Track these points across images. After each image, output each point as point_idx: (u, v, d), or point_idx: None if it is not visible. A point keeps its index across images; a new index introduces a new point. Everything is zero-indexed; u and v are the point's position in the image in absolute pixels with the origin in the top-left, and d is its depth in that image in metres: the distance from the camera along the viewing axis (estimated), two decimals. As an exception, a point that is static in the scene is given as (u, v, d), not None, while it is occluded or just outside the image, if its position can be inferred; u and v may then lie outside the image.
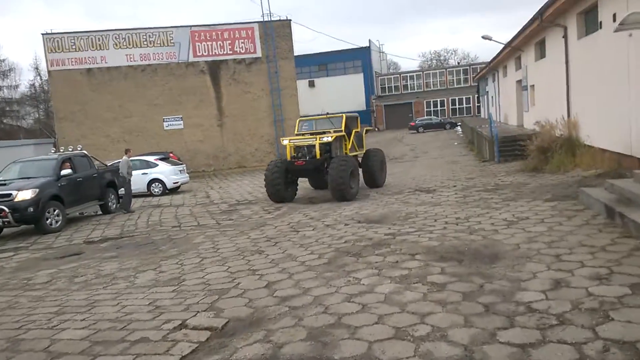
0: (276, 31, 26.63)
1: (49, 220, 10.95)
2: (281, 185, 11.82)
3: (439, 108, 54.93)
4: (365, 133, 14.18)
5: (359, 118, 13.85)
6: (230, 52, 26.33)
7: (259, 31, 26.43)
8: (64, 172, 11.60)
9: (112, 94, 25.61)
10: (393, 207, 10.80)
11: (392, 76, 61.19)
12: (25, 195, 10.44)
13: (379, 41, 67.97)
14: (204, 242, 8.69)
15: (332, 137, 11.76)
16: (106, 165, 14.41)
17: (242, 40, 26.32)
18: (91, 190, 12.75)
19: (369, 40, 58.18)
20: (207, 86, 26.40)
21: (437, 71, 60.32)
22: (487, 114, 30.92)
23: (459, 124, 41.73)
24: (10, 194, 10.42)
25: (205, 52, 26.22)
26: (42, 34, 25.25)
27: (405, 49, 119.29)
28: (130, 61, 25.87)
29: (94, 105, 25.45)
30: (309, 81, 57.35)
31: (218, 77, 26.53)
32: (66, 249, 9.29)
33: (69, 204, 11.69)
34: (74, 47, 25.44)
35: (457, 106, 55.14)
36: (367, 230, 8.42)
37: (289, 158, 12.21)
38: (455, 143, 30.86)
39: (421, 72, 60.55)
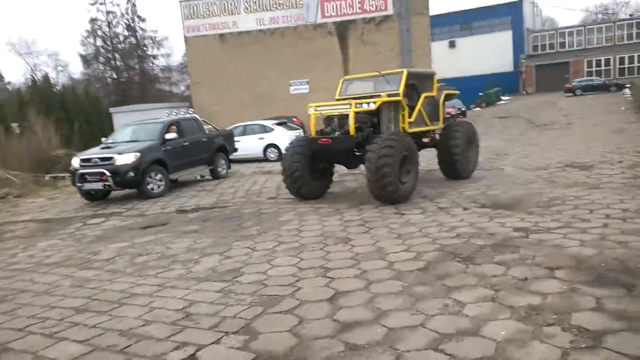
0: (410, -16, 24.16)
1: (151, 185, 10.62)
2: (305, 174, 8.53)
3: (602, 68, 47.21)
4: (445, 99, 9.98)
5: (434, 76, 9.74)
6: (360, 10, 24.57)
7: (391, -15, 24.21)
8: (168, 135, 11.18)
9: (243, 59, 25.55)
10: (532, 187, 8.50)
11: (546, 33, 54.00)
12: (126, 159, 10.16)
13: (534, -6, 60.49)
14: (291, 220, 7.46)
15: (376, 103, 8.07)
16: (218, 130, 13.90)
17: (373, -4, 24.38)
18: (199, 155, 12.27)
19: (521, -7, 51.83)
20: (335, 48, 25.05)
21: (603, 25, 51.74)
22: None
23: (628, 85, 35.25)
24: (112, 158, 10.21)
25: (333, 12, 24.81)
26: (180, 1, 25.92)
27: (565, 3, 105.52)
28: (261, 25, 25.50)
29: (226, 70, 25.67)
30: (449, 41, 53.12)
31: (346, 38, 25.02)
32: (156, 217, 8.74)
33: (174, 168, 11.29)
34: (207, 12, 25.75)
35: (625, 65, 46.81)
36: (490, 220, 6.44)
37: (313, 134, 8.67)
38: (622, 108, 25.82)
39: (582, 27, 52.46)
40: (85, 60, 45.15)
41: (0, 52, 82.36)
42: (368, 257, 5.23)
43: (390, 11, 24.29)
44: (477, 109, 42.88)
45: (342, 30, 25.05)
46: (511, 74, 50.54)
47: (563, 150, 13.28)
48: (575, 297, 3.65)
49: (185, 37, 26.27)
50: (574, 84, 40.15)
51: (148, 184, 10.57)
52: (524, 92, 48.76)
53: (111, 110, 22.79)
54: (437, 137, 9.98)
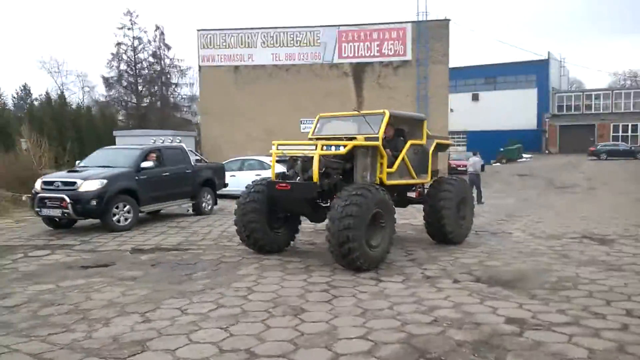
0: (431, 32, 23.55)
1: (117, 216, 9.62)
2: (262, 224, 7.29)
3: (629, 133, 45.73)
4: (436, 149, 8.62)
5: (424, 123, 8.52)
6: (378, 54, 23.99)
7: (411, 32, 23.64)
8: (145, 164, 10.26)
9: (256, 92, 25.00)
10: (540, 261, 7.26)
11: (572, 94, 53.09)
12: (90, 185, 9.22)
13: (561, 55, 60.07)
14: (248, 275, 6.32)
15: (347, 146, 6.87)
16: (207, 162, 12.98)
17: (392, 42, 23.80)
18: (180, 188, 11.29)
19: (548, 53, 51.22)
20: (349, 89, 24.40)
21: (632, 91, 50.57)
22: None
23: (656, 154, 33.78)
24: (75, 183, 9.27)
25: (350, 53, 24.28)
26: (197, 30, 25.74)
27: (590, 67, 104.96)
28: (276, 60, 25.07)
29: (237, 102, 25.11)
30: (472, 94, 52.51)
31: (361, 80, 24.38)
32: (105, 256, 7.68)
33: (147, 200, 10.30)
34: (224, 44, 25.47)
35: (653, 133, 45.37)
36: (481, 301, 5.22)
37: (273, 177, 7.47)
38: (649, 177, 24.40)
39: (610, 92, 51.41)
40: (107, 82, 45.49)
41: (31, 69, 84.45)
42: (312, 342, 4.05)
43: (408, 57, 23.65)
44: (497, 164, 41.63)
45: (358, 71, 24.44)
46: (534, 132, 49.41)
47: (582, 218, 11.97)
48: None
49: (199, 66, 25.94)
50: (599, 147, 38.76)
51: (114, 215, 9.57)
52: (547, 152, 47.44)
53: (115, 133, 22.20)
54: (424, 191, 8.81)
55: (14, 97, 47.44)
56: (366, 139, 7.41)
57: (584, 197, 17.54)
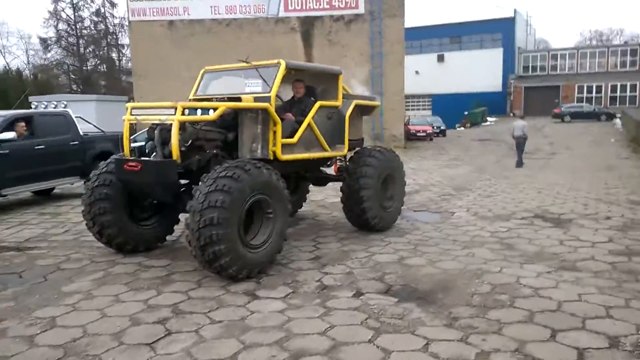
0: (385, -18, 21.42)
1: (-37, 203, 7.64)
2: (115, 215, 5.51)
3: (593, 95, 44.89)
4: (358, 112, 7.02)
5: (340, 78, 6.67)
6: (328, 6, 21.76)
7: (364, -19, 21.47)
8: (4, 135, 8.19)
9: (193, 50, 22.49)
10: (476, 256, 5.69)
11: (538, 53, 51.76)
12: None
13: (527, 13, 58.47)
14: (71, 295, 4.51)
15: (217, 110, 5.08)
16: (102, 132, 10.90)
17: (343, -7, 21.61)
18: (62, 164, 9.27)
19: (515, 11, 49.48)
20: (297, 47, 22.18)
21: (597, 50, 49.59)
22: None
23: (619, 115, 32.94)
24: None
25: (298, 5, 21.97)
26: (127, -20, 22.91)
27: (559, 27, 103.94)
28: (215, 14, 22.58)
29: (173, 62, 22.60)
30: (438, 55, 50.66)
31: (311, 36, 22.19)
32: None
33: (12, 180, 8.30)
34: (157, -5, 22.76)
35: (617, 94, 44.54)
36: (377, 330, 3.60)
37: (127, 153, 5.58)
38: (612, 140, 23.38)
39: (575, 51, 50.30)
40: (44, 44, 41.81)
41: (-27, 29, 78.25)
42: None
43: (361, 9, 21.53)
44: (461, 128, 40.41)
45: (307, 27, 22.23)
46: (499, 94, 48.20)
47: (538, 191, 10.52)
48: None
49: (129, 21, 23.25)
50: (563, 109, 37.81)
51: (-42, 200, 7.59)
52: (512, 114, 46.36)
53: (31, 99, 19.61)
54: (340, 166, 7.10)
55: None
56: (257, 99, 5.60)
57: (545, 163, 16.23)
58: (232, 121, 5.55)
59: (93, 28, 44.74)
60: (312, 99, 6.49)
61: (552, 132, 28.72)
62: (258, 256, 4.96)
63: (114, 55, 46.41)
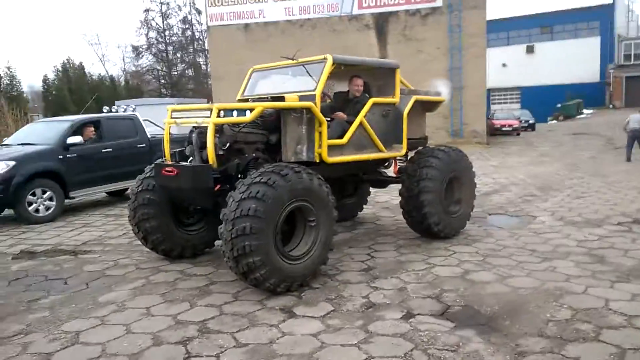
0: (465, -29, 20.20)
1: (34, 205, 7.91)
2: (160, 220, 5.34)
3: None
4: (419, 109, 6.35)
5: (397, 72, 6.03)
6: (403, 1, 20.93)
7: (442, -28, 20.41)
8: (72, 139, 8.43)
9: (268, 51, 22.56)
10: (557, 271, 4.86)
11: (641, 40, 47.00)
12: (-8, 168, 7.52)
13: (630, -4, 53.07)
14: (106, 305, 4.34)
15: (254, 111, 4.68)
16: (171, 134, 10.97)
17: (420, -15, 20.67)
18: (130, 166, 9.40)
19: (614, -5, 45.27)
20: (371, 44, 21.57)
21: None
22: None
23: None
24: (-23, 166, 7.59)
25: (372, 2, 21.35)
26: (205, -14, 23.55)
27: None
28: (289, 15, 22.56)
29: (249, 64, 22.76)
30: (527, 46, 47.54)
31: (385, 32, 21.46)
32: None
33: (78, 184, 8.53)
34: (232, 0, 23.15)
35: None
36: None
37: (167, 157, 5.29)
38: None
39: (687, 35, 45.08)
40: (136, 51, 44.50)
41: (78, 44, 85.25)
42: None
43: (438, 2, 20.49)
44: (553, 122, 37.71)
45: (381, 23, 21.54)
46: (596, 85, 44.37)
47: (637, 190, 9.20)
48: None
49: (208, 26, 23.85)
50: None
51: (30, 203, 7.87)
52: (611, 106, 42.45)
53: (117, 103, 20.71)
54: (399, 168, 6.45)
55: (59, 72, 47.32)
56: (301, 97, 5.16)
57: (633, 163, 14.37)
58: (275, 122, 5.17)
59: (181, 35, 46.89)
60: (367, 95, 5.95)
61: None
62: (299, 268, 4.51)
63: (201, 60, 48.30)
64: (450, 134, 20.84)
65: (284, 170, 4.38)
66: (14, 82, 24.38)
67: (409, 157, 6.35)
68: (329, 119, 5.53)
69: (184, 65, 47.99)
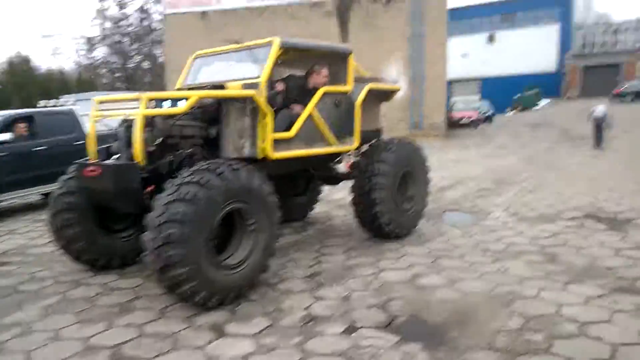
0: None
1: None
2: (83, 226, 4.78)
3: (661, 72, 41.20)
4: (373, 98, 5.97)
5: (350, 55, 5.61)
6: (365, -14, 20.60)
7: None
8: (0, 137, 7.74)
9: (227, 41, 21.95)
10: (510, 270, 4.63)
11: (598, 29, 48.08)
12: None
13: (587, -15, 54.14)
14: (13, 327, 3.84)
15: (188, 100, 4.22)
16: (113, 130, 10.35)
17: (380, -29, 20.32)
18: (66, 165, 8.74)
19: (572, -18, 45.97)
20: (333, 32, 21.14)
21: (667, 23, 45.45)
22: None
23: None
24: None
25: (333, -13, 20.93)
26: (159, -28, 22.64)
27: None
28: (248, 2, 21.87)
29: (206, 54, 22.16)
30: (488, 35, 47.78)
31: (347, 20, 21.09)
32: None
33: (7, 185, 7.85)
34: (189, -14, 22.30)
35: (691, 71, 40.70)
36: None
37: (91, 156, 4.74)
38: (684, 122, 21.02)
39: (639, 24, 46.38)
40: (90, 43, 42.61)
41: (32, 36, 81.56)
42: None
43: (399, -11, 20.21)
44: (510, 113, 38.19)
45: (344, 10, 21.14)
46: (554, 75, 45.10)
47: (591, 182, 9.18)
48: None
49: (164, 15, 22.95)
50: (625, 87, 34.68)
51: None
52: (567, 97, 43.29)
53: (62, 98, 19.63)
54: (352, 162, 6.05)
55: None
56: (245, 86, 4.70)
57: (602, 151, 14.55)
58: (215, 114, 4.72)
59: (138, 25, 45.20)
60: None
61: (612, 113, 26.29)
62: (234, 278, 4.11)
63: (158, 51, 46.75)
64: (409, 126, 20.66)
65: (219, 168, 3.96)
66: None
67: (361, 151, 6.00)
68: (277, 108, 5.10)
69: (140, 57, 46.35)
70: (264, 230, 4.32)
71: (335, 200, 8.45)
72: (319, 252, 5.59)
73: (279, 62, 6.26)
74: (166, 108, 4.40)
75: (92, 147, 4.78)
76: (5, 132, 7.91)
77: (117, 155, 4.56)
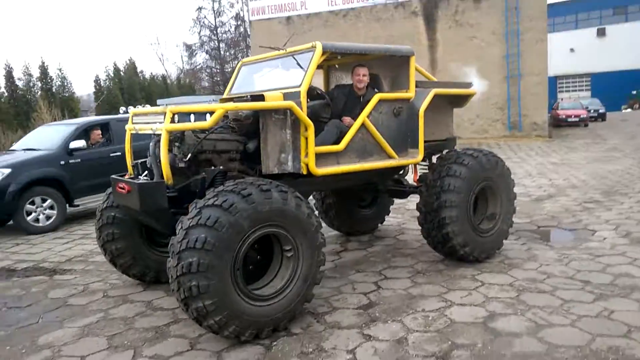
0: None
1: (34, 214, 7.46)
2: (127, 241, 4.62)
3: None
4: (441, 104, 5.22)
5: (411, 58, 4.90)
6: (454, -17, 19.40)
7: (497, -50, 18.66)
8: (74, 144, 7.92)
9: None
10: (611, 322, 3.64)
11: None
12: (-14, 176, 7.10)
13: None
14: (37, 353, 3.62)
15: (214, 115, 3.80)
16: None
17: (471, -34, 19.02)
18: (143, 170, 8.87)
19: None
20: (419, 32, 20.16)
21: None
22: None
23: None
24: (-26, 174, 7.18)
25: (420, -14, 19.94)
26: (247, -20, 23.00)
27: None
28: (332, 5, 21.53)
29: (292, 58, 22.15)
30: (597, 29, 43.87)
31: (434, 19, 19.96)
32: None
33: (82, 191, 8.02)
34: (274, -8, 22.43)
35: None
36: None
37: (129, 170, 4.55)
38: None
39: None
40: (189, 50, 44.88)
41: (140, 44, 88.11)
42: None
43: (492, -17, 18.78)
44: (627, 110, 34.54)
45: (430, 9, 20.09)
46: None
47: None
48: None
49: (250, 21, 23.29)
50: None
51: (29, 213, 7.42)
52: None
53: (159, 102, 20.59)
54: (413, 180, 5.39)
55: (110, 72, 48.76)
56: (286, 95, 4.22)
57: None
58: (253, 126, 4.27)
59: (233, 31, 46.89)
60: (375, 90, 4.92)
61: None
62: (269, 310, 3.59)
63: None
64: (507, 127, 19.14)
65: (246, 189, 3.47)
66: (65, 84, 24.86)
67: (430, 164, 5.27)
68: (326, 120, 4.60)
69: (236, 62, 47.98)
70: (304, 256, 3.76)
71: (411, 210, 7.67)
72: (380, 274, 4.92)
73: (336, 68, 5.79)
74: (191, 123, 3.98)
75: (128, 161, 4.54)
76: (79, 139, 8.08)
77: (144, 174, 4.25)
